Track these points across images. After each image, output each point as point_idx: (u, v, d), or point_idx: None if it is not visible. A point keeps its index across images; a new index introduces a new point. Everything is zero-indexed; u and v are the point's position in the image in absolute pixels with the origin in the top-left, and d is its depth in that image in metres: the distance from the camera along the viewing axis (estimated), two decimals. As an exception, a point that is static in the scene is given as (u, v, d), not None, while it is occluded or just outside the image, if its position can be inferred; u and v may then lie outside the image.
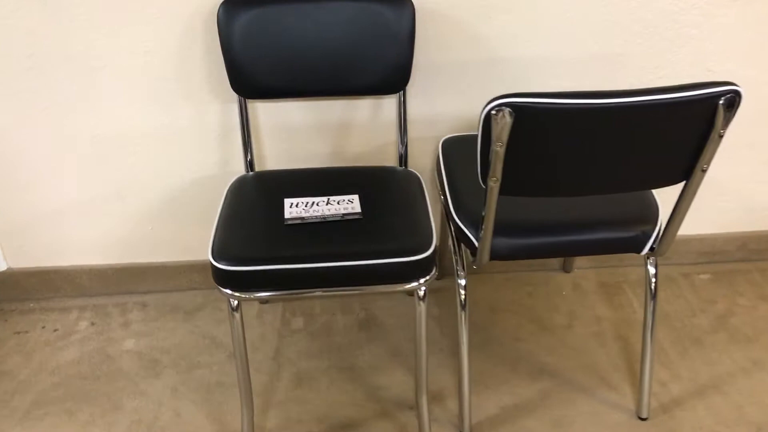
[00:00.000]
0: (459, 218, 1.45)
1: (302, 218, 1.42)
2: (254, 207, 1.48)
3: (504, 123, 1.13)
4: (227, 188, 1.58)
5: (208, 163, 1.78)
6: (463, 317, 1.51)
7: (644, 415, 1.60)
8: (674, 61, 1.72)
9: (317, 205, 1.47)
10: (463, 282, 1.50)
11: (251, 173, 1.64)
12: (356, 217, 1.43)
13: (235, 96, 1.69)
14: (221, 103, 1.70)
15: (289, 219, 1.42)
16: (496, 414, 1.60)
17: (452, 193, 1.52)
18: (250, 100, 1.68)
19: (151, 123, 1.71)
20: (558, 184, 1.25)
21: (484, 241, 1.35)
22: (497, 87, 1.72)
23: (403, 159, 1.68)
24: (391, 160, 1.82)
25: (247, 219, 1.44)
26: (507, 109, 1.12)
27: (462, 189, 1.51)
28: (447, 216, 1.54)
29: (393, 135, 1.78)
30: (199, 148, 1.76)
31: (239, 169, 1.79)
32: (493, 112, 1.12)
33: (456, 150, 1.65)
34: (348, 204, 1.47)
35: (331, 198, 1.49)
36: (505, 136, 1.15)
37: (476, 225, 1.42)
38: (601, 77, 1.73)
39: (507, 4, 1.62)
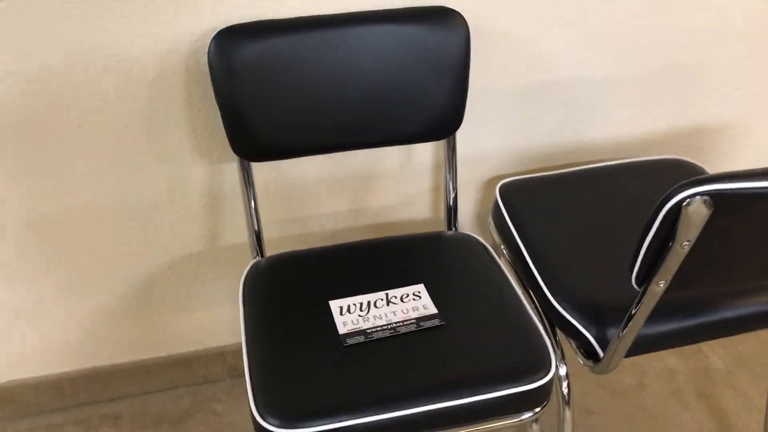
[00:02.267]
0: (561, 305, 1.12)
1: (364, 332, 1.05)
2: (289, 316, 1.09)
3: (698, 217, 0.80)
4: (240, 287, 1.18)
5: (192, 238, 1.36)
6: (567, 418, 1.19)
7: (766, 501, 1.35)
8: (757, 69, 1.44)
9: (376, 306, 1.10)
10: (564, 371, 1.18)
11: (263, 259, 1.23)
12: (435, 322, 1.07)
13: (225, 154, 1.28)
14: (208, 163, 1.28)
15: (347, 335, 1.05)
16: None
17: (539, 265, 1.18)
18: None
19: (111, 196, 1.27)
20: (733, 275, 0.94)
21: (618, 349, 1.02)
22: (555, 115, 1.39)
23: (452, 220, 1.32)
24: (423, 212, 1.45)
25: (288, 340, 1.05)
26: (705, 199, 0.79)
27: (552, 259, 1.18)
28: (531, 293, 1.21)
29: (426, 181, 1.42)
30: (179, 222, 1.33)
31: (232, 242, 1.38)
32: (686, 203, 0.79)
33: (523, 199, 1.30)
34: (416, 300, 1.11)
35: (390, 293, 1.12)
36: (695, 234, 0.82)
37: (586, 314, 1.09)
38: (674, 93, 1.42)
39: (568, 15, 1.28)
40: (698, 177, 0.79)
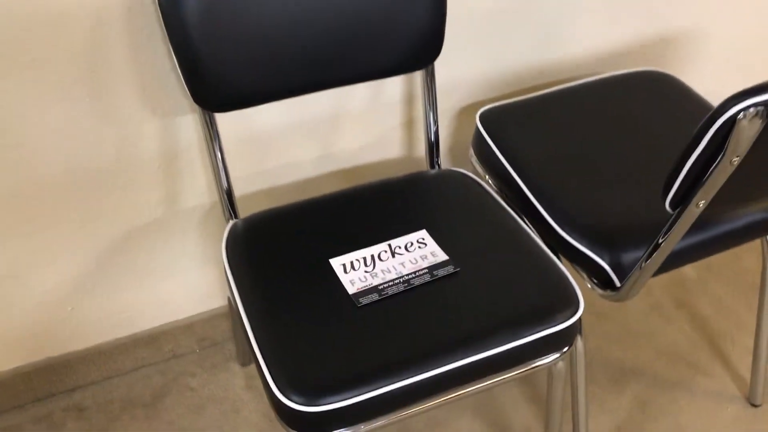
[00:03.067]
0: (568, 234, 1.06)
1: (376, 289, 0.96)
2: (288, 281, 0.99)
3: (752, 130, 0.74)
4: (223, 254, 1.06)
5: (147, 204, 1.21)
6: (580, 348, 1.15)
7: (758, 402, 1.37)
8: (717, -31, 1.40)
9: (381, 259, 1.00)
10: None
11: (240, 221, 1.11)
12: (449, 269, 0.99)
13: (178, 107, 1.13)
14: (160, 118, 1.13)
15: (359, 295, 0.95)
16: (604, 447, 1.30)
17: (537, 194, 1.12)
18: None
19: (53, 167, 1.11)
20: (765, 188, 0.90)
21: (641, 277, 0.97)
22: (525, 34, 1.30)
23: (435, 156, 1.23)
24: (396, 151, 1.35)
25: (294, 307, 0.95)
26: (759, 110, 0.73)
27: (549, 185, 1.11)
28: (534, 224, 1.14)
29: (396, 117, 1.31)
30: (132, 187, 1.18)
31: (194, 204, 1.25)
32: (741, 116, 0.73)
33: (506, 126, 1.22)
34: (422, 248, 1.02)
35: (393, 243, 1.03)
36: (745, 148, 0.76)
37: (597, 241, 1.04)
38: (637, 2, 1.37)
39: None
40: (750, 87, 0.73)
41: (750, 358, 1.43)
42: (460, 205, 1.11)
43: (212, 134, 1.08)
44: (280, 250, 1.03)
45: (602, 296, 1.05)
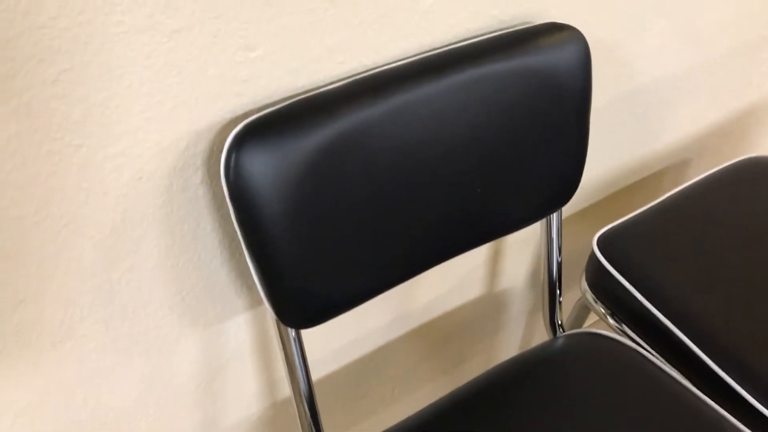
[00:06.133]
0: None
1: None
2: None
3: None
4: None
5: (179, 437, 0.85)
6: None
7: None
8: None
9: None
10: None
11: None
12: None
13: (228, 310, 0.78)
14: (203, 328, 0.77)
15: None
16: None
17: (715, 354, 0.86)
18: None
19: (65, 417, 0.72)
20: None
21: None
22: (624, 130, 1.04)
23: (557, 315, 0.93)
24: (473, 292, 1.05)
25: None
26: None
27: (726, 340, 0.86)
28: (709, 393, 0.87)
29: (480, 255, 1.01)
30: (158, 422, 0.81)
31: (237, 419, 0.89)
32: None
33: (632, 253, 0.94)
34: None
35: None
36: None
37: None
38: (736, 76, 1.14)
39: (666, 7, 0.92)
40: None
41: None
42: (624, 393, 0.83)
43: (298, 355, 0.74)
44: None
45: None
